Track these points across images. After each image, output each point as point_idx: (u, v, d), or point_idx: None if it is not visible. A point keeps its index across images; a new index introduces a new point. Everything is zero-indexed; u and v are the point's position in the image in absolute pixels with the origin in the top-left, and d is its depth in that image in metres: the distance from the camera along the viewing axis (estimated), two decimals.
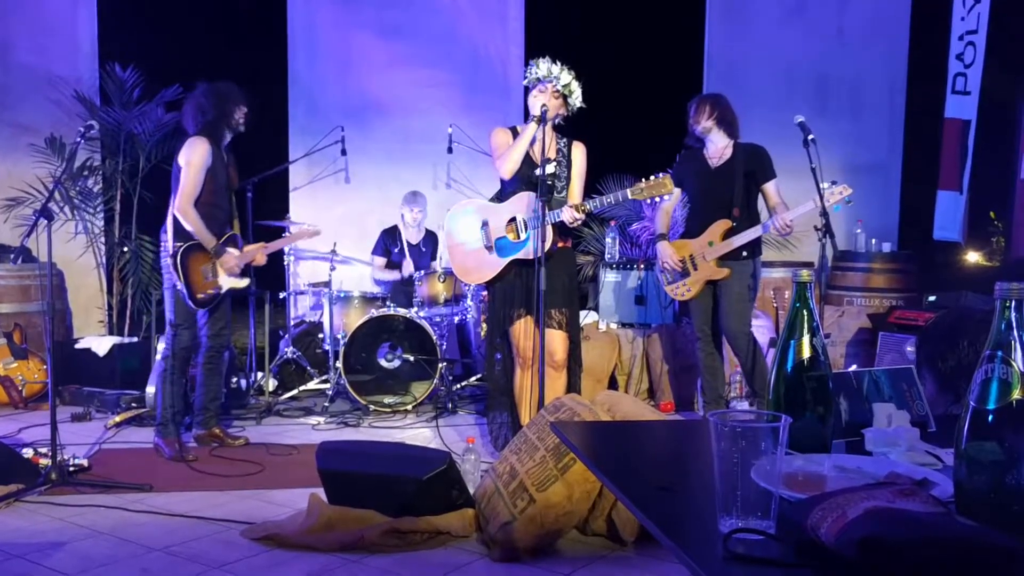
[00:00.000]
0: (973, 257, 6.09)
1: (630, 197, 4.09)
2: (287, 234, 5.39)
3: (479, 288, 5.47)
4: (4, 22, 6.82)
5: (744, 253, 4.80)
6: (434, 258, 6.52)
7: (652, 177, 4.04)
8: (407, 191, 6.74)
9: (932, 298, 5.61)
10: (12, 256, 6.15)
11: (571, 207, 4.11)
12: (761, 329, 5.81)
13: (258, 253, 4.83)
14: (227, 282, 4.65)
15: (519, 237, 4.28)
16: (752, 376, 4.91)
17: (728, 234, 4.78)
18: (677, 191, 5.01)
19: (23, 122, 6.84)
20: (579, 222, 4.21)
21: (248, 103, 4.72)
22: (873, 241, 6.72)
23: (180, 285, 4.48)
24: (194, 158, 4.48)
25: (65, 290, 6.76)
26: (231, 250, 4.64)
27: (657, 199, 4.10)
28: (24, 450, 4.20)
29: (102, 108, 7.01)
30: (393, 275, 6.52)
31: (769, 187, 4.81)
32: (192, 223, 4.48)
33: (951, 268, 6.31)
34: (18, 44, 6.87)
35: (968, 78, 6.08)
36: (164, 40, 7.59)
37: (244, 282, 4.77)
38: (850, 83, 7.35)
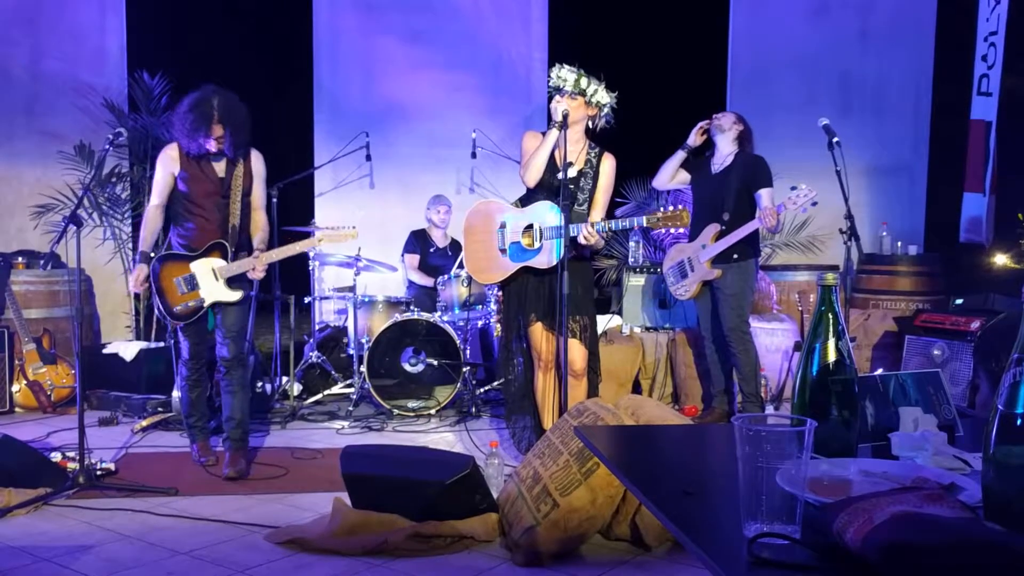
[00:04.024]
0: (1000, 259, 6.01)
1: (645, 225, 4.14)
2: (322, 234, 4.77)
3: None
4: (34, 31, 6.91)
5: (735, 256, 4.99)
6: (459, 265, 6.53)
7: (671, 208, 4.07)
8: (430, 196, 6.76)
9: (959, 301, 5.55)
10: (41, 262, 6.24)
11: (585, 225, 4.09)
12: (786, 332, 5.79)
13: (253, 265, 4.30)
14: (210, 294, 4.27)
15: (533, 245, 4.28)
16: (743, 376, 5.07)
17: (719, 237, 4.99)
18: None
19: (52, 130, 6.93)
20: (591, 243, 4.12)
21: (224, 130, 4.15)
22: (899, 244, 6.67)
23: (155, 299, 4.32)
24: (157, 164, 4.34)
25: (93, 295, 6.84)
26: (206, 268, 4.29)
27: (672, 230, 4.16)
28: (52, 454, 4.24)
29: (130, 115, 7.09)
30: (426, 280, 6.52)
31: (762, 193, 4.96)
32: (143, 225, 4.33)
33: (978, 270, 6.24)
34: (48, 52, 6.96)
35: (991, 79, 6.05)
36: (191, 47, 7.67)
37: (234, 295, 4.29)
38: (874, 84, 7.30)
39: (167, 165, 4.27)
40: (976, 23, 6.29)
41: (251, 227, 4.43)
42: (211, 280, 4.28)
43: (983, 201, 6.11)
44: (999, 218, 6.16)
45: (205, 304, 4.29)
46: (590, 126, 4.37)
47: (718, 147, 5.13)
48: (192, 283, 4.27)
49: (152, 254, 4.33)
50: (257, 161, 4.43)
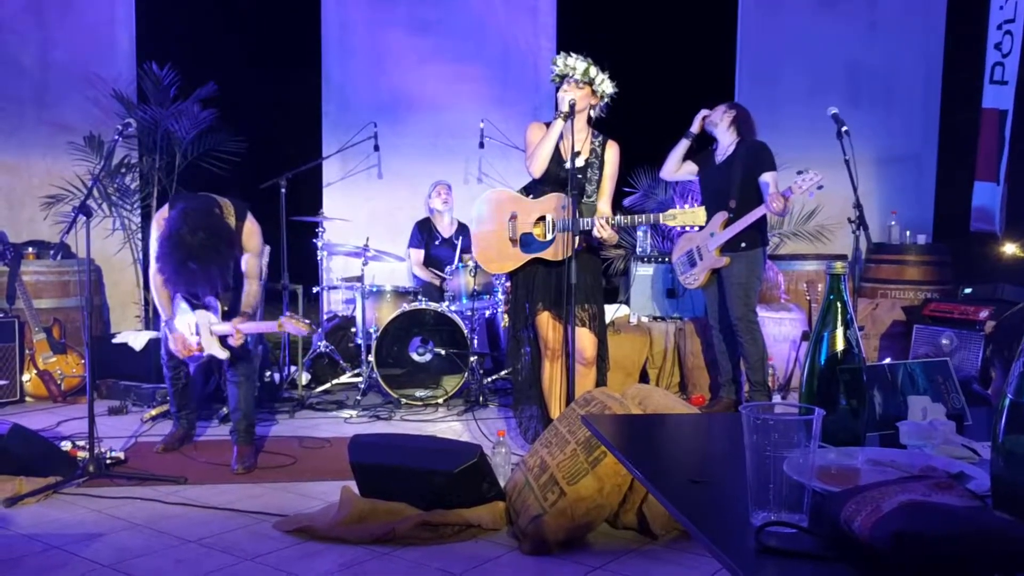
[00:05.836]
0: (1010, 249, 5.99)
1: (662, 221, 4.15)
2: (283, 320, 4.38)
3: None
4: (44, 22, 6.92)
5: (743, 244, 4.99)
6: (467, 252, 6.53)
7: (687, 206, 4.07)
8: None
9: (968, 290, 5.54)
10: (52, 252, 6.29)
11: (599, 219, 4.09)
12: (793, 322, 5.78)
13: (232, 333, 4.26)
14: (207, 346, 4.29)
15: (545, 236, 4.27)
16: (751, 366, 5.07)
17: (727, 225, 4.98)
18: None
19: (62, 121, 6.94)
20: (604, 236, 4.11)
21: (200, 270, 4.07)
22: (908, 233, 6.64)
23: (164, 326, 4.36)
24: (153, 226, 4.25)
25: (103, 285, 6.86)
26: (205, 321, 4.30)
27: (687, 228, 4.17)
28: (63, 443, 4.27)
29: (139, 106, 7.10)
30: (430, 275, 6.52)
31: (766, 177, 4.96)
32: (154, 292, 4.34)
33: (987, 260, 6.21)
34: (57, 43, 6.97)
35: (1006, 67, 6.00)
36: (200, 38, 7.67)
37: (223, 353, 4.29)
38: (884, 73, 7.26)
39: (156, 228, 4.18)
40: (988, 11, 6.24)
41: (243, 290, 4.40)
42: (207, 333, 4.30)
43: (996, 190, 6.07)
44: (1011, 207, 6.13)
45: (204, 354, 4.33)
46: (591, 115, 4.37)
47: (719, 139, 5.17)
48: (197, 331, 4.29)
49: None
50: (250, 231, 4.36)
